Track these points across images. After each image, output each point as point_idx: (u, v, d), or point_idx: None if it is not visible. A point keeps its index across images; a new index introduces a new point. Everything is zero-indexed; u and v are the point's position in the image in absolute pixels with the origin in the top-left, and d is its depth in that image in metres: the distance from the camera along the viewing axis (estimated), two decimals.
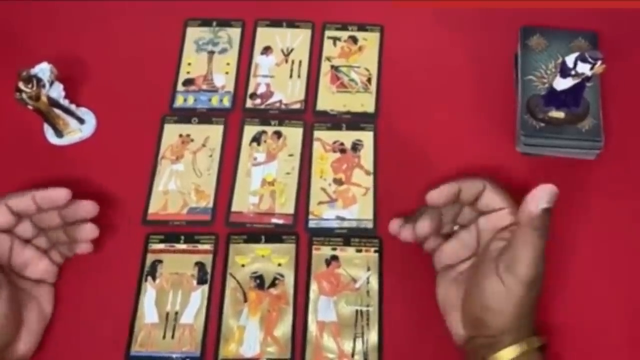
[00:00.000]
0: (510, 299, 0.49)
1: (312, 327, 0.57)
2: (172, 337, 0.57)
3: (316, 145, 0.65)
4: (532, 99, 0.62)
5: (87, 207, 0.56)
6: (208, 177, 0.64)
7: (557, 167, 0.62)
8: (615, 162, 0.62)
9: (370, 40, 0.70)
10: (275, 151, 0.65)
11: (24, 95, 0.60)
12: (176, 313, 0.58)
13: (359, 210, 0.62)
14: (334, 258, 0.59)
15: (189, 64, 0.70)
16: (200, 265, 0.59)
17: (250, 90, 0.68)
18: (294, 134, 0.65)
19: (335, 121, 0.66)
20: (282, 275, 0.59)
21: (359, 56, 0.69)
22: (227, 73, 0.69)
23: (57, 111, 0.63)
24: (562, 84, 0.58)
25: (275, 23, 0.72)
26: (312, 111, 0.67)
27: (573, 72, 0.56)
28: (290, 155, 0.64)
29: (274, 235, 0.61)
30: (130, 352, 0.56)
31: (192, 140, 0.65)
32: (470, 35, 0.70)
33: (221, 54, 0.70)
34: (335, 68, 0.69)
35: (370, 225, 0.61)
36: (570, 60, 0.56)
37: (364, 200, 0.62)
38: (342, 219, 0.61)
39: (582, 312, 0.56)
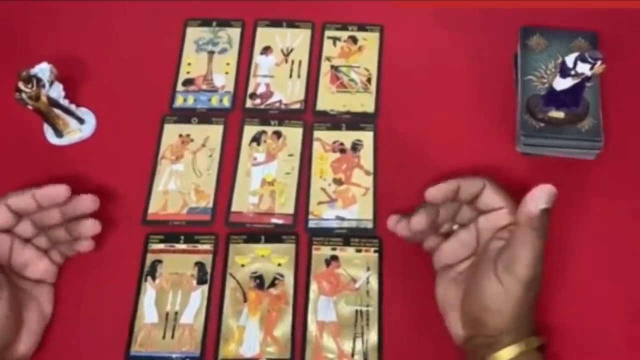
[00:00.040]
0: (509, 299, 0.49)
1: (312, 327, 0.57)
2: (172, 337, 0.57)
3: (316, 145, 0.65)
4: (532, 99, 0.62)
5: (87, 202, 0.56)
6: (208, 177, 0.64)
7: (556, 167, 0.62)
8: (615, 162, 0.62)
9: (370, 40, 0.70)
10: (275, 151, 0.65)
11: (24, 95, 0.60)
12: (176, 313, 0.58)
13: (358, 210, 0.62)
14: (334, 258, 0.59)
15: (189, 64, 0.70)
16: (200, 265, 0.59)
17: (250, 90, 0.68)
18: (293, 134, 0.65)
19: (335, 121, 0.66)
20: (281, 275, 0.59)
21: (358, 56, 0.69)
22: (227, 73, 0.69)
23: (57, 111, 0.63)
24: (561, 84, 0.58)
25: (275, 23, 0.72)
26: (312, 111, 0.67)
27: (573, 72, 0.56)
28: (290, 155, 0.64)
29: (273, 235, 0.61)
30: (130, 352, 0.56)
31: (192, 140, 0.65)
32: (470, 35, 0.70)
33: (221, 54, 0.70)
34: (335, 68, 0.69)
35: (370, 225, 0.61)
36: (570, 60, 0.56)
37: (364, 200, 0.62)
38: (342, 219, 0.61)
39: (582, 312, 0.56)
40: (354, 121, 0.66)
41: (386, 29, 0.71)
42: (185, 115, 0.67)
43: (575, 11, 0.69)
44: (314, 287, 0.58)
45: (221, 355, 0.56)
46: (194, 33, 0.71)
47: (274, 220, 0.61)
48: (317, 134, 0.65)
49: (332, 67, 0.69)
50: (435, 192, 0.53)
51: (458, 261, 0.55)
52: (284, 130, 0.66)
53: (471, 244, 0.54)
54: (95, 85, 0.68)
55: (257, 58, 0.70)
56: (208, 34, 0.71)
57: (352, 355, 0.55)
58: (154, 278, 0.59)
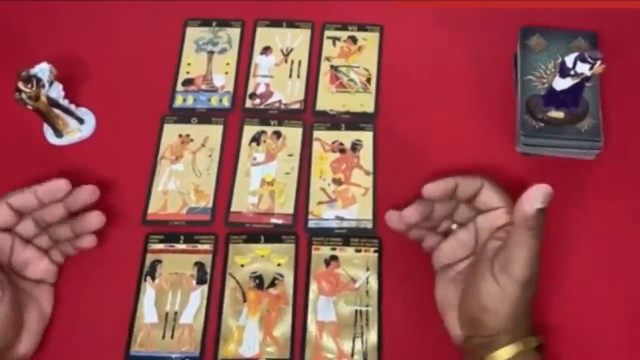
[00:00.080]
0: (506, 299, 0.49)
1: (312, 327, 0.57)
2: (172, 337, 0.57)
3: (315, 145, 0.65)
4: (531, 99, 0.62)
5: (87, 192, 0.56)
6: (207, 177, 0.64)
7: (556, 167, 0.62)
8: (614, 162, 0.62)
9: (369, 40, 0.70)
10: (275, 151, 0.65)
11: (24, 95, 0.60)
12: (175, 313, 0.58)
13: (358, 210, 0.62)
14: (334, 258, 0.59)
15: (189, 64, 0.70)
16: (199, 265, 0.59)
17: (250, 90, 0.68)
18: (293, 134, 0.65)
19: (334, 121, 0.66)
20: (281, 275, 0.59)
21: (358, 56, 0.69)
22: (226, 73, 0.69)
23: (57, 111, 0.63)
24: (561, 84, 0.58)
25: (275, 23, 0.72)
26: (312, 111, 0.67)
27: (572, 72, 0.56)
28: (290, 155, 0.64)
29: (273, 235, 0.61)
30: (129, 352, 0.56)
31: (191, 140, 0.65)
32: (470, 35, 0.69)
33: (221, 54, 0.70)
34: (334, 68, 0.69)
35: (369, 225, 0.61)
36: (569, 60, 0.56)
37: (364, 200, 0.62)
38: (342, 219, 0.61)
39: (581, 312, 0.56)
40: (354, 121, 0.66)
41: (386, 29, 0.71)
42: (185, 115, 0.67)
43: (575, 11, 0.69)
44: (313, 287, 0.58)
45: (221, 355, 0.56)
46: (193, 33, 0.72)
47: (274, 220, 0.61)
48: (316, 134, 0.65)
49: (331, 67, 0.69)
50: (432, 189, 0.53)
51: (457, 261, 0.55)
52: (283, 130, 0.66)
53: (470, 243, 0.54)
54: (95, 85, 0.68)
55: (257, 58, 0.70)
56: (208, 34, 0.71)
57: (352, 355, 0.55)
58: (153, 278, 0.59)
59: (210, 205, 0.62)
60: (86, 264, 0.59)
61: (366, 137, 0.65)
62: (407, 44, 0.70)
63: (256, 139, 0.65)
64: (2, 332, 0.51)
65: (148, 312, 0.58)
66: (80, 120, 0.65)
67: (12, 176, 0.60)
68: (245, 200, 0.62)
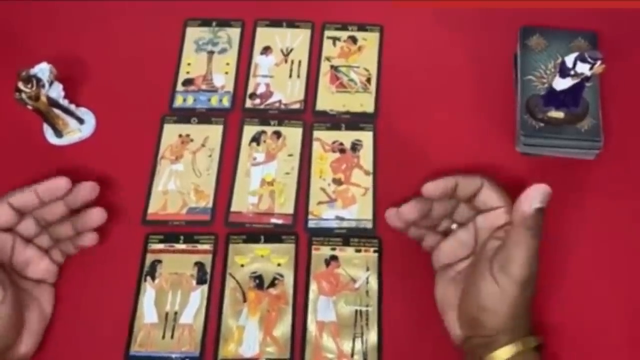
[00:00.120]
0: (505, 299, 0.49)
1: (312, 327, 0.57)
2: (172, 337, 0.57)
3: (315, 145, 0.65)
4: (531, 99, 0.62)
5: (87, 189, 0.56)
6: (207, 177, 0.64)
7: (556, 167, 0.62)
8: (614, 162, 0.62)
9: (369, 40, 0.70)
10: (275, 151, 0.65)
11: (24, 95, 0.60)
12: (175, 313, 0.58)
13: (358, 210, 0.62)
14: (334, 258, 0.59)
15: (189, 64, 0.70)
16: (199, 265, 0.59)
17: (250, 90, 0.68)
18: (293, 134, 0.65)
19: (334, 121, 0.66)
20: (281, 275, 0.59)
21: (358, 56, 0.69)
22: (226, 73, 0.69)
23: (57, 111, 0.63)
24: (561, 84, 0.58)
25: (275, 23, 0.72)
26: (312, 111, 0.67)
27: (572, 72, 0.56)
28: (290, 155, 0.64)
29: (273, 235, 0.61)
30: (129, 352, 0.56)
31: (191, 140, 0.65)
32: (470, 35, 0.69)
33: (221, 54, 0.70)
34: (334, 68, 0.69)
35: (369, 225, 0.61)
36: (569, 60, 0.56)
37: (364, 200, 0.62)
38: (342, 219, 0.61)
39: (581, 312, 0.56)
40: (354, 121, 0.66)
41: (386, 29, 0.71)
42: (185, 115, 0.67)
43: (575, 11, 0.69)
44: (313, 287, 0.58)
45: (221, 355, 0.56)
46: (193, 33, 0.72)
47: (274, 220, 0.61)
48: (316, 134, 0.65)
49: (331, 67, 0.69)
50: (432, 188, 0.53)
51: (457, 260, 0.55)
52: (283, 130, 0.66)
53: (470, 243, 0.54)
54: (95, 85, 0.68)
55: (257, 58, 0.70)
56: (208, 34, 0.71)
57: (352, 355, 0.56)
58: (153, 278, 0.59)
59: (210, 205, 0.62)
60: (86, 264, 0.59)
61: (366, 137, 0.65)
62: (407, 44, 0.70)
63: (256, 139, 0.65)
64: (4, 332, 0.52)
65: (148, 312, 0.58)
66: (80, 120, 0.65)
67: (12, 176, 0.60)
68: (245, 200, 0.62)
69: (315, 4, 0.72)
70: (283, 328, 0.57)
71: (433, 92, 0.67)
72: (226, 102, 0.67)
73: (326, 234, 0.60)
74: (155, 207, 0.62)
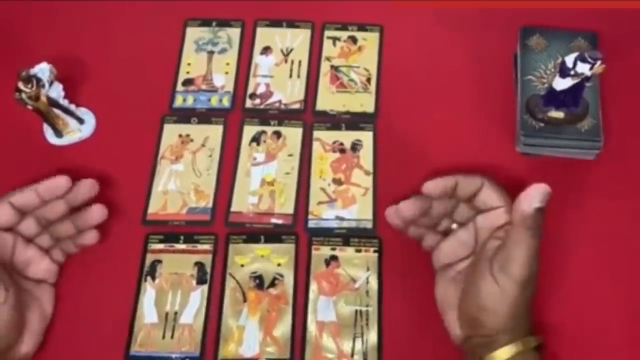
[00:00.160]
0: (505, 298, 0.49)
1: (312, 327, 0.57)
2: (172, 337, 0.57)
3: (316, 145, 0.65)
4: (531, 99, 0.62)
5: (87, 186, 0.57)
6: (207, 177, 0.64)
7: (556, 167, 0.62)
8: (614, 162, 0.62)
9: (369, 40, 0.70)
10: (275, 151, 0.65)
11: (24, 95, 0.60)
12: (175, 313, 0.58)
13: (358, 210, 0.62)
14: (334, 258, 0.59)
15: (189, 64, 0.70)
16: (199, 265, 0.59)
17: (250, 90, 0.68)
18: (293, 134, 0.65)
19: (334, 121, 0.66)
20: (281, 275, 0.59)
21: (358, 56, 0.69)
22: (226, 73, 0.69)
23: (57, 111, 0.63)
24: (561, 84, 0.58)
25: (275, 23, 0.72)
26: (312, 111, 0.67)
27: (572, 72, 0.56)
28: (290, 155, 0.64)
29: (273, 235, 0.61)
30: (129, 352, 0.56)
31: (191, 140, 0.65)
32: (470, 35, 0.69)
33: (221, 54, 0.70)
34: (334, 68, 0.69)
35: (369, 225, 0.61)
36: (569, 60, 0.56)
37: (364, 200, 0.62)
38: (342, 219, 0.61)
39: (581, 312, 0.56)
40: (354, 121, 0.66)
41: (386, 29, 0.71)
42: (185, 115, 0.67)
43: (575, 11, 0.69)
44: (313, 287, 0.58)
45: (221, 355, 0.56)
46: (193, 33, 0.72)
47: (274, 220, 0.61)
48: (316, 134, 0.65)
49: (331, 67, 0.69)
50: (432, 186, 0.53)
51: (457, 260, 0.55)
52: (283, 130, 0.66)
53: (470, 243, 0.54)
54: (95, 85, 0.68)
55: (257, 58, 0.70)
56: (208, 34, 0.71)
57: (352, 355, 0.56)
58: (153, 278, 0.59)
59: (210, 205, 0.62)
60: (86, 264, 0.59)
61: (366, 137, 0.65)
62: (407, 44, 0.70)
63: (256, 139, 0.65)
64: (6, 332, 0.52)
65: (148, 312, 0.58)
66: (80, 120, 0.65)
67: (12, 176, 0.60)
68: (246, 200, 0.62)
69: (315, 4, 0.72)
70: (283, 328, 0.57)
71: (433, 92, 0.67)
72: (226, 102, 0.67)
73: (326, 234, 0.60)
74: (155, 207, 0.62)
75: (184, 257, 0.60)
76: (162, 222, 0.61)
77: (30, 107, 0.61)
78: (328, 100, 0.67)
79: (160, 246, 0.60)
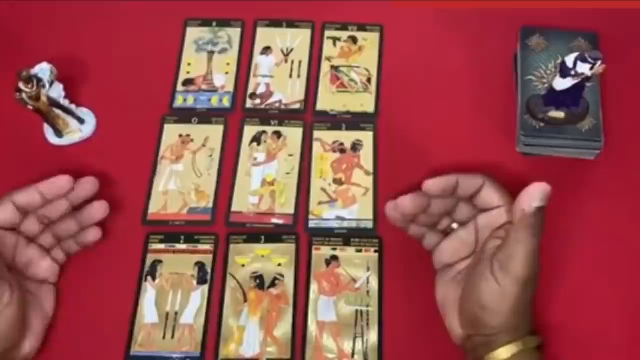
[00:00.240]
0: (506, 298, 0.49)
1: (312, 327, 0.57)
2: (172, 337, 0.57)
3: (316, 146, 0.65)
4: (531, 99, 0.62)
5: (88, 184, 0.57)
6: (208, 177, 0.64)
7: (556, 167, 0.62)
8: (614, 162, 0.62)
9: (370, 40, 0.70)
10: (275, 151, 0.65)
11: (24, 95, 0.60)
12: (176, 313, 0.58)
13: (358, 210, 0.62)
14: (334, 258, 0.59)
15: (189, 64, 0.70)
16: (200, 265, 0.59)
17: (250, 90, 0.68)
18: (293, 134, 0.65)
19: (335, 121, 0.66)
20: (282, 275, 0.59)
21: (358, 56, 0.69)
22: (227, 73, 0.69)
23: (57, 111, 0.63)
24: (561, 84, 0.58)
25: (275, 23, 0.72)
26: (312, 111, 0.67)
27: (573, 72, 0.56)
28: (290, 155, 0.64)
29: (273, 235, 0.61)
30: (130, 352, 0.56)
31: (192, 141, 0.65)
32: (470, 35, 0.70)
33: (221, 54, 0.70)
34: (335, 68, 0.69)
35: (370, 225, 0.61)
36: (570, 60, 0.56)
37: (364, 200, 0.62)
38: (342, 219, 0.61)
39: (581, 312, 0.56)
40: (354, 121, 0.66)
41: (386, 29, 0.71)
42: (185, 115, 0.67)
43: (575, 11, 0.69)
44: (314, 287, 0.58)
45: (221, 355, 0.56)
46: (194, 33, 0.71)
47: (274, 220, 0.61)
48: (317, 134, 0.65)
49: (332, 67, 0.69)
50: (433, 185, 0.53)
51: (458, 260, 0.55)
52: (284, 130, 0.66)
53: (471, 242, 0.55)
54: (95, 85, 0.68)
55: (257, 58, 0.70)
56: (208, 34, 0.71)
57: (352, 355, 0.56)
58: (154, 278, 0.59)
59: (210, 205, 0.62)
60: (87, 264, 0.59)
61: (366, 137, 0.65)
62: (407, 44, 0.70)
63: (257, 139, 0.65)
64: (10, 332, 0.52)
65: (148, 312, 0.58)
66: (81, 120, 0.65)
67: (13, 176, 0.60)
68: (246, 200, 0.62)
69: (315, 4, 0.72)
70: (284, 328, 0.57)
71: (433, 92, 0.67)
72: (226, 102, 0.67)
73: (327, 234, 0.60)
74: (155, 207, 0.62)
75: (185, 257, 0.60)
76: (162, 222, 0.61)
77: (30, 107, 0.61)
78: (328, 100, 0.67)
79: (161, 246, 0.60)
